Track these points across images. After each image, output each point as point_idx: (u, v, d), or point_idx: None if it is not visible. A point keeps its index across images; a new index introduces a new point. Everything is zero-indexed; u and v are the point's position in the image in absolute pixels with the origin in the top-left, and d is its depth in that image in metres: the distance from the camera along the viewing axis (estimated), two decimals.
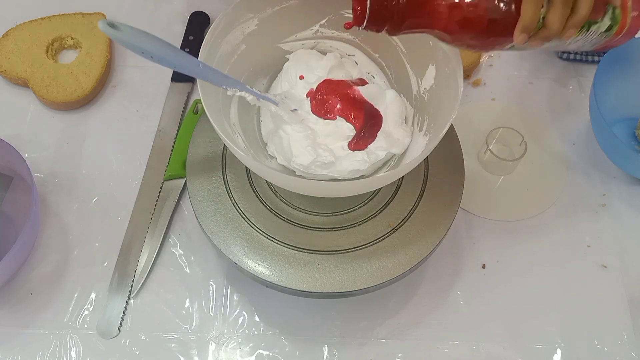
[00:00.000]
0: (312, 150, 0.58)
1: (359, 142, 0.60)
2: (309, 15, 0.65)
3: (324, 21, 0.66)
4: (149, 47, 0.50)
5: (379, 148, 0.60)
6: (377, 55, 0.67)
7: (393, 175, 0.57)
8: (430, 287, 0.69)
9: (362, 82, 0.64)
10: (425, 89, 0.63)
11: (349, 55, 0.67)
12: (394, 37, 0.64)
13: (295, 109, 0.61)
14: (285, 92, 0.63)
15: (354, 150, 0.60)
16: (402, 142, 0.61)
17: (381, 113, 0.62)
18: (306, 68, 0.64)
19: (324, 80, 0.62)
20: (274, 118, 0.62)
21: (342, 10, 0.65)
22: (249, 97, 0.57)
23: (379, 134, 0.61)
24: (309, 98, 0.62)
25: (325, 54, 0.66)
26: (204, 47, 0.57)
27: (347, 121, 0.61)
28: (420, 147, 0.60)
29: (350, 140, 0.60)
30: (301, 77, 0.64)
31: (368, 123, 0.61)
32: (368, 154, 0.60)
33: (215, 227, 0.61)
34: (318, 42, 0.67)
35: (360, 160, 0.59)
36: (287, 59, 0.66)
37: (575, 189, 0.76)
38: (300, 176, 0.59)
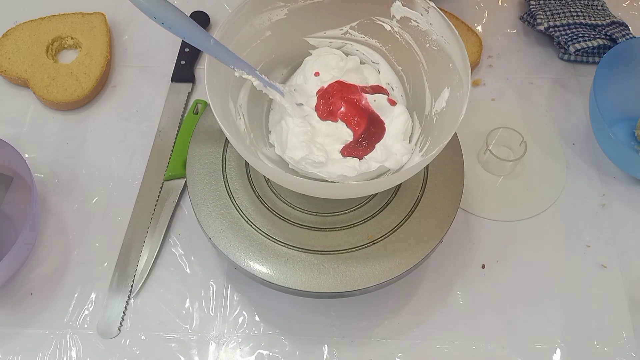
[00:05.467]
0: (306, 147, 0.57)
1: (356, 149, 0.59)
2: (340, 15, 0.64)
3: (354, 24, 0.65)
4: (162, 12, 0.50)
5: (372, 159, 0.59)
6: (400, 67, 0.66)
7: (373, 187, 0.56)
8: (430, 287, 0.69)
9: (375, 90, 0.63)
10: (436, 110, 0.61)
11: (373, 62, 0.66)
12: (419, 53, 0.63)
13: (301, 104, 0.61)
14: (296, 85, 0.62)
15: (346, 157, 0.59)
16: (399, 158, 0.59)
17: (385, 125, 0.61)
18: (324, 66, 0.63)
19: (336, 81, 0.62)
20: (280, 108, 0.61)
21: (374, 16, 0.64)
22: (256, 82, 0.57)
23: (377, 145, 0.59)
24: (317, 95, 0.62)
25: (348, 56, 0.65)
26: (223, 25, 0.57)
27: (347, 126, 0.60)
28: (412, 163, 0.59)
29: (344, 145, 0.59)
30: (316, 74, 0.63)
31: (368, 132, 0.60)
32: (360, 163, 0.58)
33: (216, 227, 0.61)
34: (345, 43, 0.66)
35: (350, 167, 0.57)
36: (310, 54, 0.65)
37: (575, 189, 0.76)
38: (292, 170, 0.58)
